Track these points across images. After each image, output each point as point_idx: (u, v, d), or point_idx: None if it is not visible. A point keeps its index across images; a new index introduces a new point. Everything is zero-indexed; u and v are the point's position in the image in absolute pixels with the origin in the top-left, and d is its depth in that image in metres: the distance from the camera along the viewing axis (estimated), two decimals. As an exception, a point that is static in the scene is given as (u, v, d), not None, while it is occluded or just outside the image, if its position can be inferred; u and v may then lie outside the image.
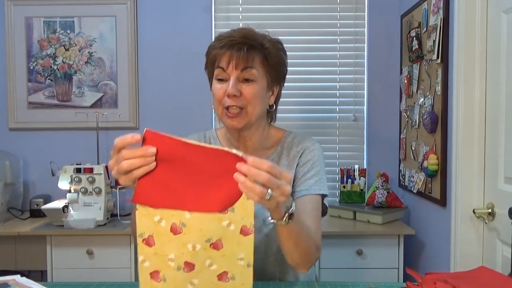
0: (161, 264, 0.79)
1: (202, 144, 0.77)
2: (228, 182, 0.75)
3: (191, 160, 0.77)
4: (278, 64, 1.13)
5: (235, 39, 1.07)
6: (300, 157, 1.18)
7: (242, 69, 1.06)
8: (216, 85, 1.09)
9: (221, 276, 0.79)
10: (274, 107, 1.19)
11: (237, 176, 0.75)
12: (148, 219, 0.78)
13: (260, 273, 1.14)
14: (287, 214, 0.85)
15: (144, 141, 0.77)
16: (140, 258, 0.80)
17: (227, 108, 1.08)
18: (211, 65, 1.12)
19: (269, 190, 0.75)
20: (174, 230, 0.78)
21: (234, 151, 0.75)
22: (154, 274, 0.80)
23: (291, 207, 0.86)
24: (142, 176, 0.77)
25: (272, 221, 0.87)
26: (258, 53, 1.08)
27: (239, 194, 0.76)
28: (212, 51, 1.11)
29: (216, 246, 0.79)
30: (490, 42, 1.72)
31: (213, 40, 1.15)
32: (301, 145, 1.19)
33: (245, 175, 0.74)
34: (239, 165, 0.75)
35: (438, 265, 2.09)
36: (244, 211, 0.77)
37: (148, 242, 0.79)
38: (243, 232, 0.78)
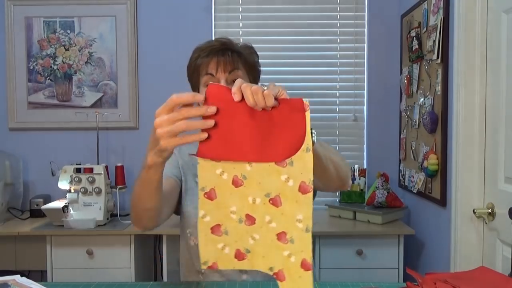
0: (223, 217, 0.79)
1: None
2: (288, 130, 0.75)
3: (251, 110, 0.75)
4: (255, 65, 1.22)
5: (217, 46, 1.15)
6: None
7: (230, 71, 1.13)
8: None
9: (280, 236, 0.78)
10: None
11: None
12: (210, 172, 0.78)
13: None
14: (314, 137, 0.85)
15: (206, 99, 0.75)
16: (200, 213, 0.79)
17: None
18: (196, 73, 1.18)
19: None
20: (236, 183, 0.78)
21: (300, 99, 0.75)
22: (215, 228, 0.79)
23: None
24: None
25: None
26: (238, 57, 1.16)
27: (299, 144, 0.75)
28: (197, 61, 1.17)
29: (275, 202, 0.77)
30: (490, 42, 1.72)
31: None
32: None
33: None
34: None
35: (438, 265, 2.09)
36: (303, 164, 0.75)
37: (210, 195, 0.78)
38: (302, 189, 0.76)
